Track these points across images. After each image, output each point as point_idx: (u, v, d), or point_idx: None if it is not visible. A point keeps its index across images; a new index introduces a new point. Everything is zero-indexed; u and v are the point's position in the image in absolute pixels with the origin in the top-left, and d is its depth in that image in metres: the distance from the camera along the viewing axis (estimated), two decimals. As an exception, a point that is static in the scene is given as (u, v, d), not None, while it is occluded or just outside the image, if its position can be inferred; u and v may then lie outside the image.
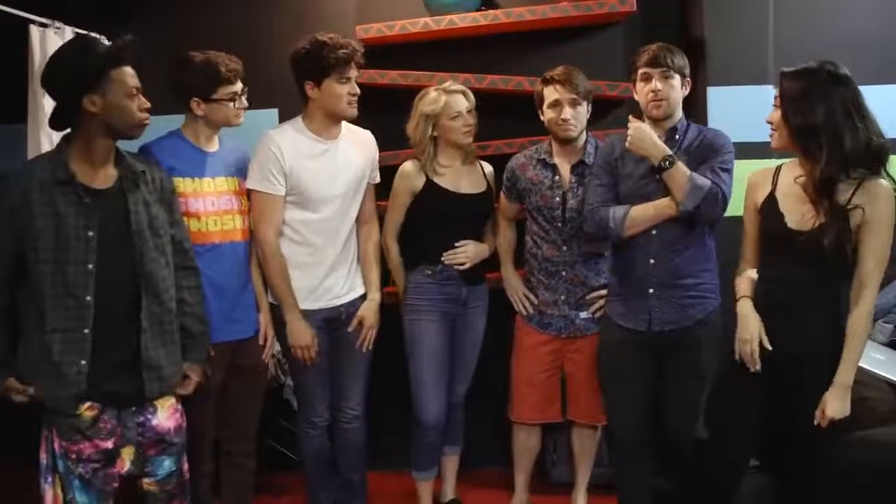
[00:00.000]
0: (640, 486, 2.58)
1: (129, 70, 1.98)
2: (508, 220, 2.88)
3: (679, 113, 2.44)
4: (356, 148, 2.60)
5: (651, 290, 2.39)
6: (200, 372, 2.18)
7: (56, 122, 2.03)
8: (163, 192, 2.11)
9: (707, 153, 2.38)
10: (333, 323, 2.60)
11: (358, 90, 2.50)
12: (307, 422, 2.65)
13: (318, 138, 2.52)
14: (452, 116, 2.67)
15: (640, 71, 2.40)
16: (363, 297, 2.66)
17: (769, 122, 2.09)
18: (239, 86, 2.40)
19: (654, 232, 2.38)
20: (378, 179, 2.72)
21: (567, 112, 2.58)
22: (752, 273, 2.16)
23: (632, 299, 2.43)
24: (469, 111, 2.69)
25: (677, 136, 2.43)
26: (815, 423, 1.99)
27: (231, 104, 2.38)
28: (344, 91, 2.46)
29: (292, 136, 2.51)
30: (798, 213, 2.03)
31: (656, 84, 2.37)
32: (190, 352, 2.14)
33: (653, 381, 2.45)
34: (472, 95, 2.73)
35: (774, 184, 2.11)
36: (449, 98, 2.67)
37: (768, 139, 2.14)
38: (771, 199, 2.09)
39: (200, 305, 2.20)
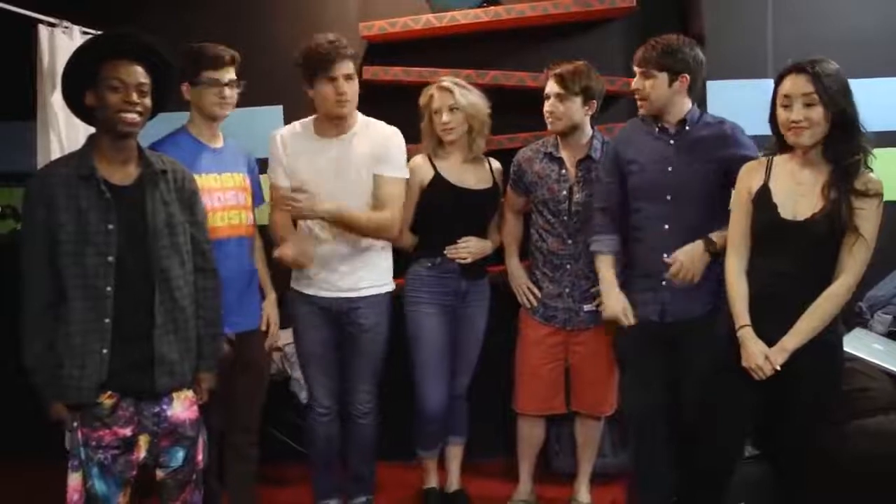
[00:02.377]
0: (655, 473, 2.57)
1: (118, 64, 1.95)
2: (515, 212, 2.89)
3: (679, 108, 2.44)
4: (365, 145, 2.57)
5: (664, 283, 2.43)
6: (212, 379, 2.19)
7: (79, 118, 2.09)
8: (183, 193, 2.11)
9: (730, 163, 2.35)
10: (333, 315, 2.61)
11: (345, 89, 2.44)
12: (313, 412, 2.69)
13: (320, 137, 2.56)
14: (434, 111, 2.72)
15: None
16: (373, 298, 2.63)
17: (798, 121, 2.00)
18: (226, 75, 2.41)
19: (665, 227, 2.41)
20: (389, 173, 2.58)
21: (548, 105, 2.65)
22: (745, 290, 2.15)
23: (644, 290, 2.47)
24: (451, 109, 2.69)
25: (687, 128, 2.44)
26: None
27: (212, 90, 2.39)
28: (330, 90, 2.45)
29: (296, 132, 2.57)
30: (791, 205, 2.06)
31: (636, 83, 2.44)
32: (200, 358, 2.14)
33: (667, 367, 2.47)
34: (458, 93, 2.70)
35: (768, 175, 2.13)
36: (435, 93, 2.73)
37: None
38: (764, 191, 2.11)
39: (215, 310, 2.19)
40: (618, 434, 3.10)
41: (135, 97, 1.96)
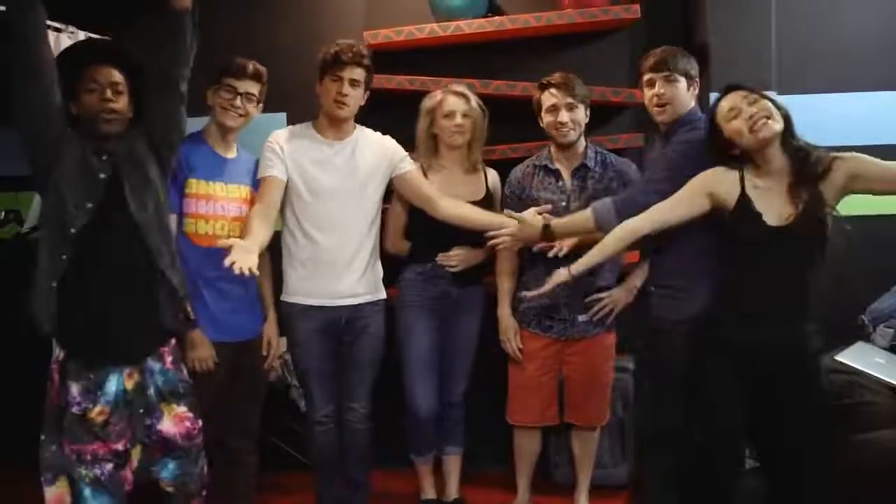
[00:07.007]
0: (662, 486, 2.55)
1: (91, 68, 2.02)
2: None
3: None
4: (366, 151, 2.60)
5: (653, 289, 2.45)
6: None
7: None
8: (161, 147, 2.14)
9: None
10: (334, 325, 2.60)
11: (346, 91, 2.48)
12: (313, 421, 2.67)
13: (322, 138, 2.57)
14: (445, 114, 2.73)
15: (645, 77, 2.42)
16: (373, 305, 2.63)
17: (754, 114, 2.05)
18: (243, 86, 2.41)
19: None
20: (408, 168, 2.66)
21: (564, 116, 2.61)
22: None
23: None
24: (465, 115, 2.73)
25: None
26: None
27: (225, 95, 2.40)
28: (332, 89, 2.50)
29: (294, 133, 2.58)
30: (774, 210, 2.06)
31: (659, 88, 2.38)
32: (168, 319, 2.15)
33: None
34: (473, 100, 2.75)
35: (743, 185, 2.10)
36: (447, 96, 2.75)
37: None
38: (744, 200, 2.09)
39: (179, 276, 2.17)
40: (619, 445, 3.09)
41: (109, 94, 2.01)
